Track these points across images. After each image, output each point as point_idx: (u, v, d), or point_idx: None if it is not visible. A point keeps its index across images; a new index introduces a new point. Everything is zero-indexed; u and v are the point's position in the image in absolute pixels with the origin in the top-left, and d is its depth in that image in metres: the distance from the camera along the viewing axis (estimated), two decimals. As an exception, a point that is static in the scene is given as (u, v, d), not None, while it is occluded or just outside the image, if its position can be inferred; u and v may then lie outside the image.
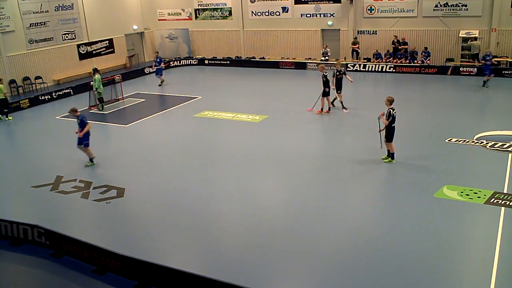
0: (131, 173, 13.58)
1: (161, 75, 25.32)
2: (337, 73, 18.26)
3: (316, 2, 28.18)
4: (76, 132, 13.92)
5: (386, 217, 10.32)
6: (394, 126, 12.85)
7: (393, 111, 12.76)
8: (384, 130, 13.02)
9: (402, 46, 26.41)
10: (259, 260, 8.88)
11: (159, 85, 25.00)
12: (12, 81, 24.70)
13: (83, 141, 13.94)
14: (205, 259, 9.12)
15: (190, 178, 12.96)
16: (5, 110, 20.19)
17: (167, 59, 31.65)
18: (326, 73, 17.88)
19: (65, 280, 8.75)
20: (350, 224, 10.08)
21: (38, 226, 9.74)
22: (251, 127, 17.18)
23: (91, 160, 14.20)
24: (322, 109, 18.15)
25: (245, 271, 8.54)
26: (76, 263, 9.13)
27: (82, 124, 13.85)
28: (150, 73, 28.92)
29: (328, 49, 27.72)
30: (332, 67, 23.11)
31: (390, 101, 12.87)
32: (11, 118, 20.32)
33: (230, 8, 31.04)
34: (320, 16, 28.43)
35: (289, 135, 16.14)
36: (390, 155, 13.17)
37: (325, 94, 17.89)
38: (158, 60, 25.06)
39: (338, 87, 18.35)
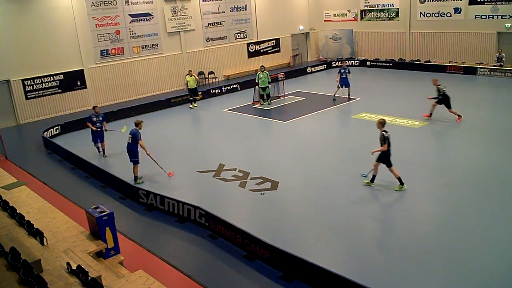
0: (286, 167, 14.14)
1: (348, 86, 21.86)
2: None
3: (493, 3, 25.80)
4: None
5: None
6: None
7: (386, 133, 11.76)
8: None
9: None
10: (407, 274, 8.66)
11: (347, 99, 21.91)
12: (200, 73, 27.66)
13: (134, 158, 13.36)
14: (349, 262, 9.15)
15: (342, 179, 13.02)
16: (194, 98, 22.90)
17: (329, 59, 32.13)
18: None
19: (218, 260, 9.45)
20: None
21: (200, 207, 10.69)
22: (410, 133, 16.56)
23: (135, 178, 13.40)
24: None
25: (390, 281, 8.38)
26: (229, 246, 9.83)
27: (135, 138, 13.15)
28: (311, 72, 29.69)
29: (503, 54, 25.23)
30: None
31: (382, 124, 11.92)
32: (195, 105, 22.83)
33: (398, 9, 30.09)
34: (497, 17, 25.97)
35: (449, 144, 15.21)
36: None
37: None
38: (343, 71, 21.53)
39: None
